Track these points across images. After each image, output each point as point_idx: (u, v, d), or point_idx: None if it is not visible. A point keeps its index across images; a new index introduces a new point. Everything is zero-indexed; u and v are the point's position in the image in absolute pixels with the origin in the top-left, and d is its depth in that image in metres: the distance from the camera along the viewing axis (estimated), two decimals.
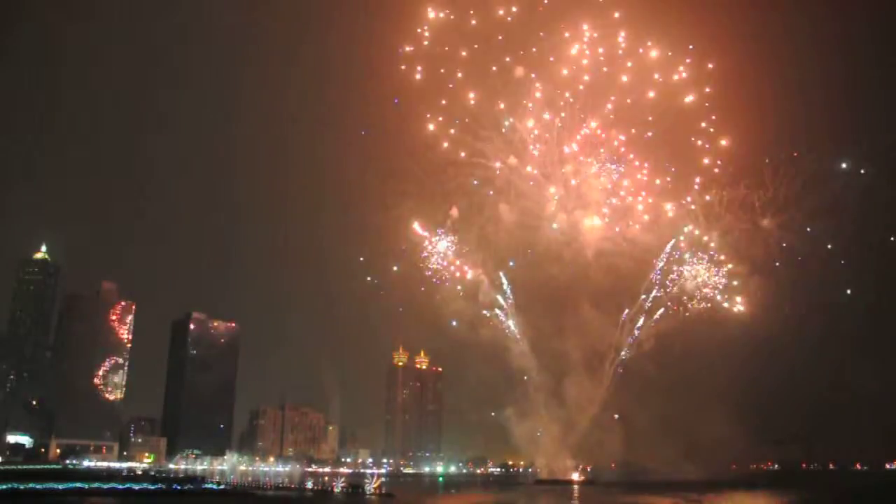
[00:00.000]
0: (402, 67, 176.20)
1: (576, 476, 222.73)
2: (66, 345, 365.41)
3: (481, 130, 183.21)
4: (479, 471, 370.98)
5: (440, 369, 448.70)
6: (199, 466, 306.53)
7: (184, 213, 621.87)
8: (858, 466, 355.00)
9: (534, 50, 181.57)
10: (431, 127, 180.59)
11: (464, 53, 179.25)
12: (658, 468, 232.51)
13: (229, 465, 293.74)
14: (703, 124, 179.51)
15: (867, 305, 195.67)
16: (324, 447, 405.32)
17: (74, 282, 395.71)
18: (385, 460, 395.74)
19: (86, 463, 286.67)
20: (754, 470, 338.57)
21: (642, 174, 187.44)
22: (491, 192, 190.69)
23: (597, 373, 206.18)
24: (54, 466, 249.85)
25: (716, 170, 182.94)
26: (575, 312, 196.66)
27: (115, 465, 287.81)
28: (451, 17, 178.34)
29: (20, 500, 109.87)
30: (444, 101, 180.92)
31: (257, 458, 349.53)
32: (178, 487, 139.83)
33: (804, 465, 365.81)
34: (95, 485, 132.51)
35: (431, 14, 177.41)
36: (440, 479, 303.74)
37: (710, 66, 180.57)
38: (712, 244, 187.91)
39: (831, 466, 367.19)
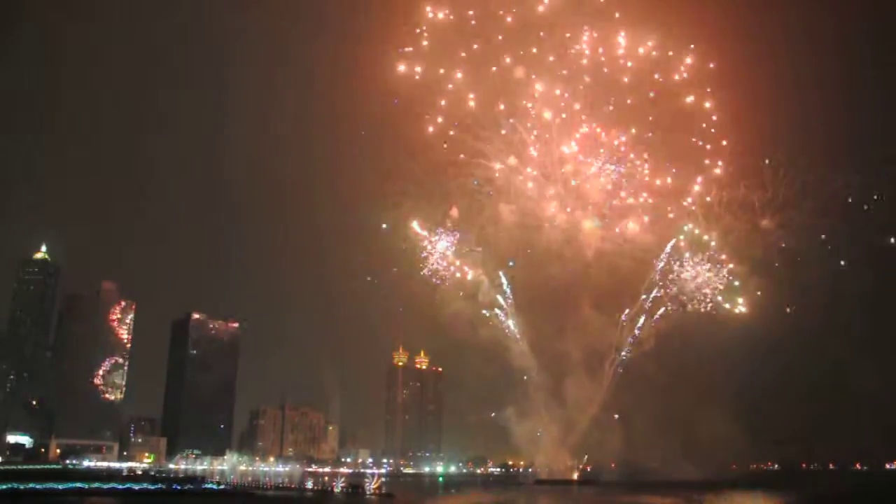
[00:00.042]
0: (402, 67, 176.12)
1: (576, 476, 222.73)
2: (66, 345, 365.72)
3: (481, 130, 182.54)
4: (479, 471, 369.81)
5: (440, 369, 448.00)
6: (199, 466, 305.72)
7: (184, 213, 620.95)
8: (858, 466, 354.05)
9: (534, 50, 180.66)
10: (431, 128, 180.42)
11: (463, 53, 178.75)
12: (658, 468, 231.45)
13: (229, 465, 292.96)
14: (704, 124, 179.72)
15: (867, 305, 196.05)
16: (324, 447, 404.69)
17: (74, 282, 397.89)
18: (385, 460, 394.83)
19: (86, 463, 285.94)
20: (754, 470, 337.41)
21: (642, 174, 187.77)
22: (491, 192, 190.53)
23: (597, 373, 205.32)
24: (54, 466, 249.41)
25: (716, 170, 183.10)
26: (575, 312, 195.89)
27: (115, 465, 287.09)
28: (451, 16, 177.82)
29: (20, 500, 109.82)
30: (443, 102, 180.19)
31: (257, 458, 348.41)
32: (178, 487, 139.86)
33: (804, 465, 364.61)
34: (95, 485, 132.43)
35: (430, 14, 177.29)
36: (440, 479, 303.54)
37: (711, 66, 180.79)
38: (712, 244, 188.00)
39: (831, 466, 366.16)
